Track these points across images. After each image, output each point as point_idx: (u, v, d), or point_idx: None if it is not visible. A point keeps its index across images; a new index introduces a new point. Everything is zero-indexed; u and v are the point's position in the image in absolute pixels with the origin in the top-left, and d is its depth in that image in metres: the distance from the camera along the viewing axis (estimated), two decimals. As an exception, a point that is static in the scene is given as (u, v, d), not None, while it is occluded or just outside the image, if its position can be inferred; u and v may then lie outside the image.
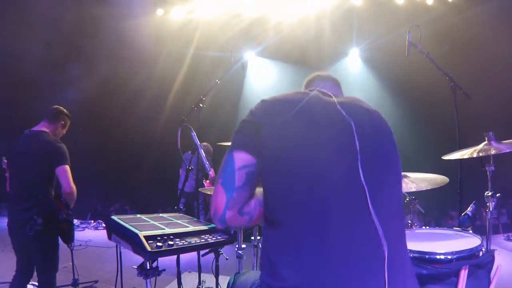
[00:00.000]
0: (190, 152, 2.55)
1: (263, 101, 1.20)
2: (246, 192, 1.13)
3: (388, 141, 1.17)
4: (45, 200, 2.53)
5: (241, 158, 1.10)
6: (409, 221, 2.33)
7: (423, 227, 2.21)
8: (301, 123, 1.10)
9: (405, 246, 1.12)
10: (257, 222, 1.17)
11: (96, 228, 6.18)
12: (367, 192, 1.01)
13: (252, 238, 2.66)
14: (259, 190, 1.16)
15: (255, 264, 2.65)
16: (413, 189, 2.02)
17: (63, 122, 2.79)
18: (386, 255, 0.97)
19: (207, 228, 1.72)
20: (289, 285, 0.97)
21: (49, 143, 2.57)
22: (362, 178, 1.02)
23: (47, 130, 2.67)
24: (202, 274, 2.71)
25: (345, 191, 1.02)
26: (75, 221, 6.30)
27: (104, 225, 6.02)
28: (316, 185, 1.02)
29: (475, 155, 1.97)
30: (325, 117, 1.13)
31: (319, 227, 0.99)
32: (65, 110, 2.83)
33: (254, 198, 1.15)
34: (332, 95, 1.23)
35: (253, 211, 1.14)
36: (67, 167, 2.55)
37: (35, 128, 2.67)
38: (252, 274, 1.37)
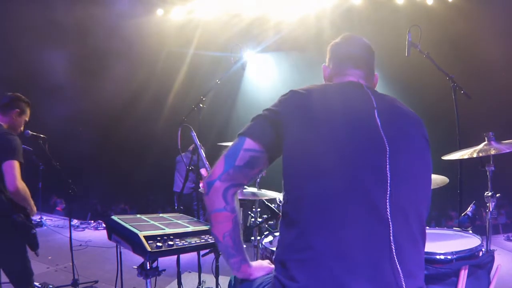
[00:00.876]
0: (186, 152, 2.53)
1: (293, 92, 1.14)
2: (242, 176, 1.12)
3: (421, 159, 1.13)
4: None
5: (251, 145, 1.12)
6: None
7: (423, 227, 2.21)
8: (328, 123, 1.05)
9: (420, 255, 1.07)
10: (216, 221, 1.14)
11: (96, 228, 6.16)
12: (388, 204, 0.98)
13: (252, 238, 2.65)
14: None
15: (255, 264, 2.64)
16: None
17: (18, 110, 2.46)
18: (398, 264, 0.95)
19: (207, 228, 1.72)
20: (301, 287, 0.95)
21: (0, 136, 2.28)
22: (388, 199, 0.98)
23: (1, 122, 2.39)
24: (202, 274, 2.70)
25: (364, 198, 0.98)
26: (75, 221, 6.29)
27: (104, 225, 6.01)
28: (331, 187, 0.99)
29: (475, 155, 1.96)
30: (356, 122, 1.08)
31: (331, 230, 0.97)
32: (21, 96, 2.51)
33: (238, 211, 1.14)
34: (370, 94, 1.15)
35: (230, 207, 1.12)
36: (15, 163, 2.21)
37: None
38: None
